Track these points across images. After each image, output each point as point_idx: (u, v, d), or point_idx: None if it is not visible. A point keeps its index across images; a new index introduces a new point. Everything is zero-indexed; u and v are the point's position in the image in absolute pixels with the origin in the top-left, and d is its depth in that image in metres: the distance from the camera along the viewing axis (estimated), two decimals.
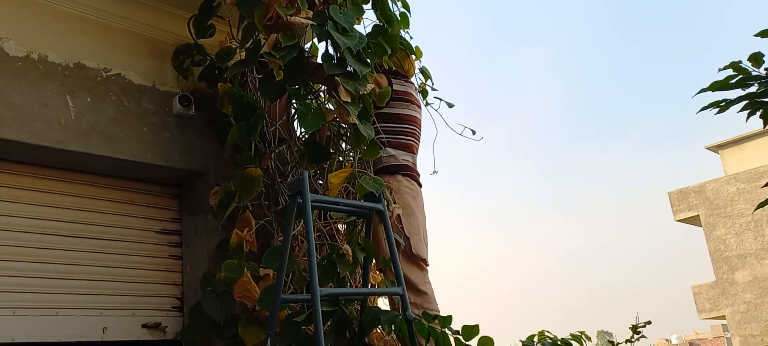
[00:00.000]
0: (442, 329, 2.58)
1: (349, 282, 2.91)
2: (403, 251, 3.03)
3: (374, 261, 2.93)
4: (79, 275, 2.96)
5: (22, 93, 2.77)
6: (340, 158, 3.22)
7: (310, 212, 2.42)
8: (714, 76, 2.51)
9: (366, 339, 2.71)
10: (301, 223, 2.85)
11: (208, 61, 3.26)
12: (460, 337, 2.58)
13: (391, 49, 3.11)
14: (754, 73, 2.41)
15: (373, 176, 2.86)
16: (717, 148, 26.53)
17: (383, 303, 3.20)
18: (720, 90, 2.48)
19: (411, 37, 3.47)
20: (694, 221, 25.68)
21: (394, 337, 2.76)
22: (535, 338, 3.28)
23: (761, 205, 2.69)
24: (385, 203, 2.75)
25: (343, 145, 3.25)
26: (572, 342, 3.28)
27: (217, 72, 3.23)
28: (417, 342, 2.54)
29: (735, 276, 24.06)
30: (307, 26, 2.75)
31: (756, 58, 2.42)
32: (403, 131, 3.35)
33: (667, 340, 36.28)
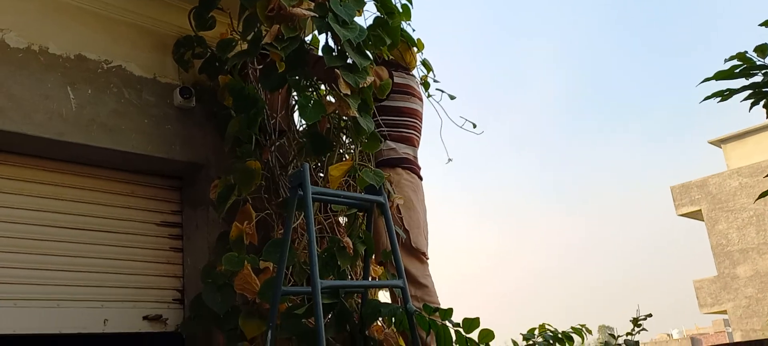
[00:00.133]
0: (443, 322, 2.58)
1: (350, 275, 2.91)
2: (402, 243, 3.03)
3: (374, 254, 2.93)
4: (80, 267, 2.96)
5: (23, 85, 2.77)
6: (341, 151, 3.22)
7: (311, 204, 2.42)
8: (719, 69, 2.50)
9: (366, 332, 2.71)
10: (302, 216, 2.85)
11: (209, 54, 3.26)
12: (461, 330, 2.58)
13: (391, 41, 3.10)
14: (758, 63, 2.39)
15: (373, 168, 2.85)
16: (720, 142, 26.47)
17: (383, 297, 3.20)
18: (724, 79, 2.47)
19: (413, 30, 3.46)
20: (696, 215, 25.65)
21: (395, 330, 2.76)
22: (536, 331, 3.28)
23: (762, 195, 2.68)
24: (386, 195, 2.74)
25: (344, 138, 3.25)
26: (573, 335, 3.28)
27: (217, 64, 3.23)
28: (417, 335, 2.54)
29: (737, 271, 24.04)
30: (308, 18, 2.74)
31: (762, 49, 2.41)
32: (403, 124, 3.34)
33: (668, 335, 36.30)
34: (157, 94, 3.16)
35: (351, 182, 3.07)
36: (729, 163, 25.78)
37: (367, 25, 3.03)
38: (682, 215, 25.94)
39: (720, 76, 2.47)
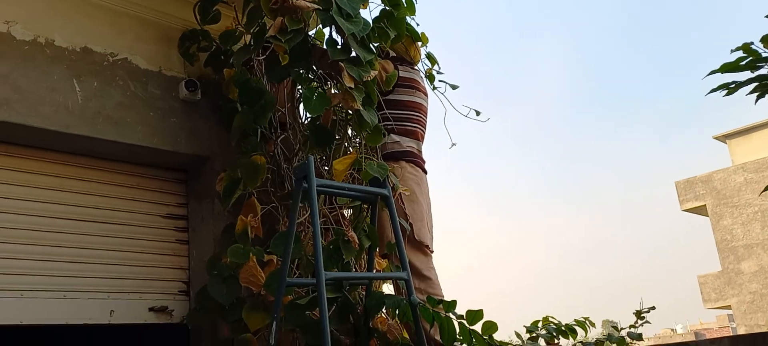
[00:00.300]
0: (447, 314, 2.59)
1: (355, 268, 2.92)
2: (406, 236, 3.04)
3: (378, 247, 2.94)
4: (87, 259, 2.99)
5: (29, 77, 2.78)
6: (346, 144, 3.22)
7: (316, 196, 2.43)
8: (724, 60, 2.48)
9: (370, 323, 2.72)
10: (308, 213, 2.86)
11: (214, 47, 3.27)
12: (464, 322, 2.59)
13: (396, 33, 3.10)
14: (764, 55, 2.37)
15: (377, 161, 2.86)
16: (724, 137, 26.38)
17: (387, 290, 3.21)
18: (730, 72, 2.45)
19: (417, 24, 3.46)
20: (700, 210, 25.59)
21: (398, 321, 2.77)
22: (539, 324, 3.29)
23: (767, 189, 2.68)
24: (390, 187, 2.75)
25: (349, 130, 3.25)
26: (576, 328, 3.29)
27: (222, 58, 3.24)
28: (421, 326, 2.55)
29: (741, 266, 23.99)
30: (312, 10, 2.74)
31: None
32: (408, 118, 3.34)
33: (672, 330, 36.24)
34: (163, 87, 3.17)
35: (356, 175, 3.08)
36: (734, 159, 25.70)
37: (373, 17, 3.03)
38: (686, 211, 25.88)
39: (726, 68, 2.45)
